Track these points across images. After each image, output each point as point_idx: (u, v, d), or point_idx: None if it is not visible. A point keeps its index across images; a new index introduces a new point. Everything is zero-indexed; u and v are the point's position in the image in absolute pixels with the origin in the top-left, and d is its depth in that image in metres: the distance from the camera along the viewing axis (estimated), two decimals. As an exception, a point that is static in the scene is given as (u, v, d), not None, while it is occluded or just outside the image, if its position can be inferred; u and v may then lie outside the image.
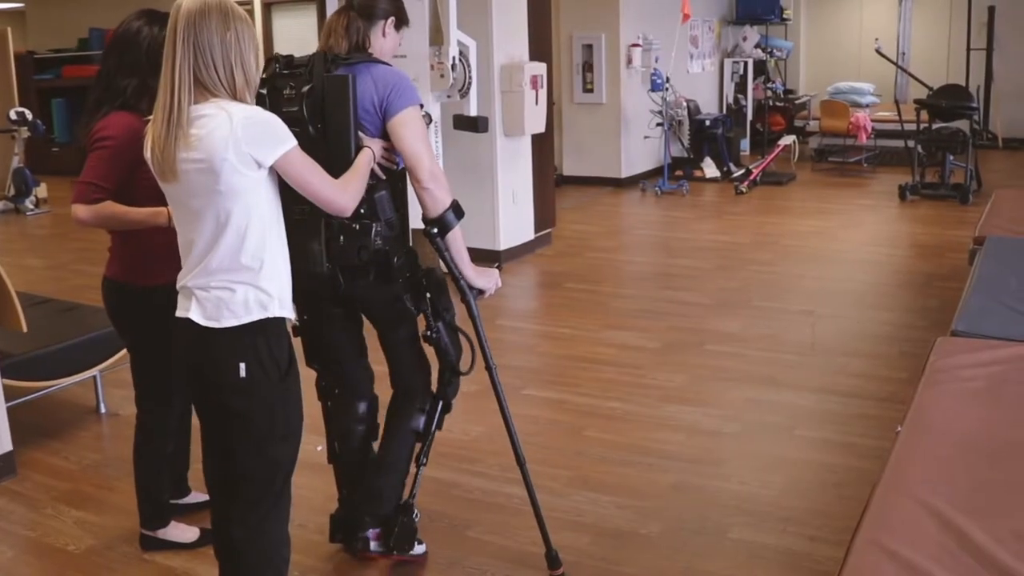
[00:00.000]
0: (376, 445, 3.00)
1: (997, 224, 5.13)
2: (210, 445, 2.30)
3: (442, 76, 5.86)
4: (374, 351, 2.97)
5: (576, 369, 4.66)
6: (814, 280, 6.20)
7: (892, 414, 3.63)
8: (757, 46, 12.04)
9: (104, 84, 2.81)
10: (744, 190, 9.39)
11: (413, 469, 2.92)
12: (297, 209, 2.37)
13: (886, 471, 2.38)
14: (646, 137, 10.02)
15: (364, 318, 2.91)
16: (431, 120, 2.73)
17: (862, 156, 10.55)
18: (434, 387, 2.93)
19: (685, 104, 10.26)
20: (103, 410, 4.28)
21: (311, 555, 2.99)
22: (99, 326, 4.07)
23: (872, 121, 10.48)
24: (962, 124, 8.87)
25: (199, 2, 2.05)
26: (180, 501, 3.26)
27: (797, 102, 12.56)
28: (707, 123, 10.32)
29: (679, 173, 10.12)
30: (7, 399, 3.67)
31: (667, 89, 9.60)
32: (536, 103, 6.85)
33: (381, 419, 2.98)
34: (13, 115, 9.41)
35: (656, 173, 10.21)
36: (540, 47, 7.20)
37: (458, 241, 2.73)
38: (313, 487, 3.25)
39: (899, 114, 9.59)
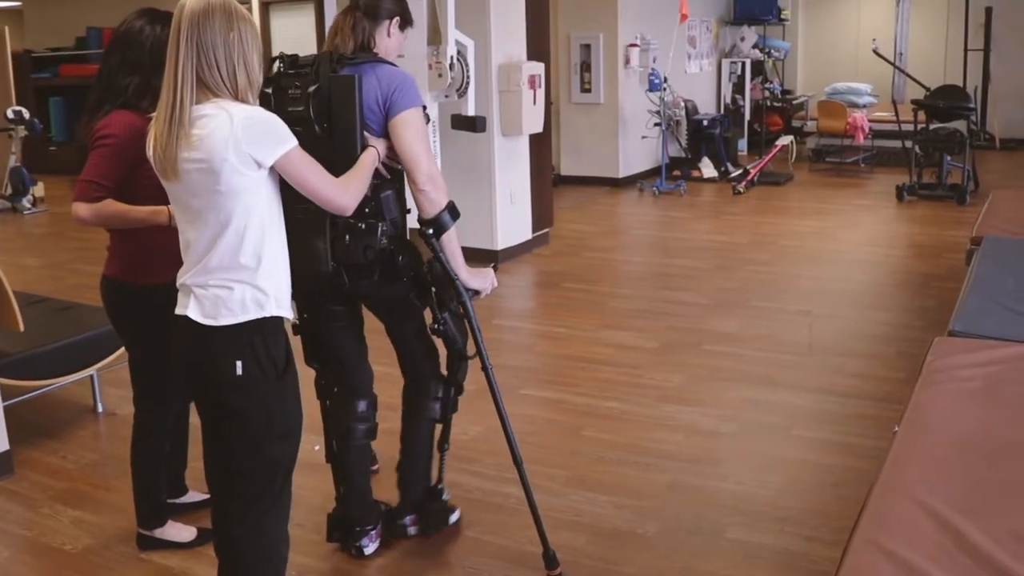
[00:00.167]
0: (372, 445, 3.02)
1: (994, 224, 5.13)
2: (210, 443, 2.31)
3: (440, 76, 5.87)
4: (374, 351, 2.98)
5: (574, 369, 4.67)
6: (812, 280, 6.20)
7: (889, 414, 3.63)
8: (755, 46, 12.05)
9: (105, 83, 2.81)
10: (742, 190, 9.39)
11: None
12: (301, 208, 2.38)
13: (883, 471, 2.38)
14: (644, 137, 10.02)
15: (364, 317, 2.92)
16: (428, 120, 2.75)
17: (859, 156, 10.56)
18: (443, 372, 2.98)
19: (683, 104, 10.27)
20: (100, 409, 4.28)
21: (309, 555, 2.99)
22: (96, 325, 4.07)
23: (869, 121, 10.49)
24: (959, 125, 8.88)
25: (203, 2, 2.06)
26: (177, 500, 3.26)
27: (795, 102, 12.56)
28: (705, 123, 10.32)
29: (677, 173, 10.12)
30: (4, 398, 3.67)
31: (665, 89, 9.60)
32: (534, 103, 6.85)
33: (380, 419, 2.99)
34: (10, 114, 9.39)
35: (654, 173, 10.21)
36: (538, 47, 7.20)
37: (453, 242, 2.75)
38: (311, 487, 3.24)
39: (896, 114, 9.60)
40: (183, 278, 2.20)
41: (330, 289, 2.69)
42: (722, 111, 11.61)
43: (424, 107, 2.70)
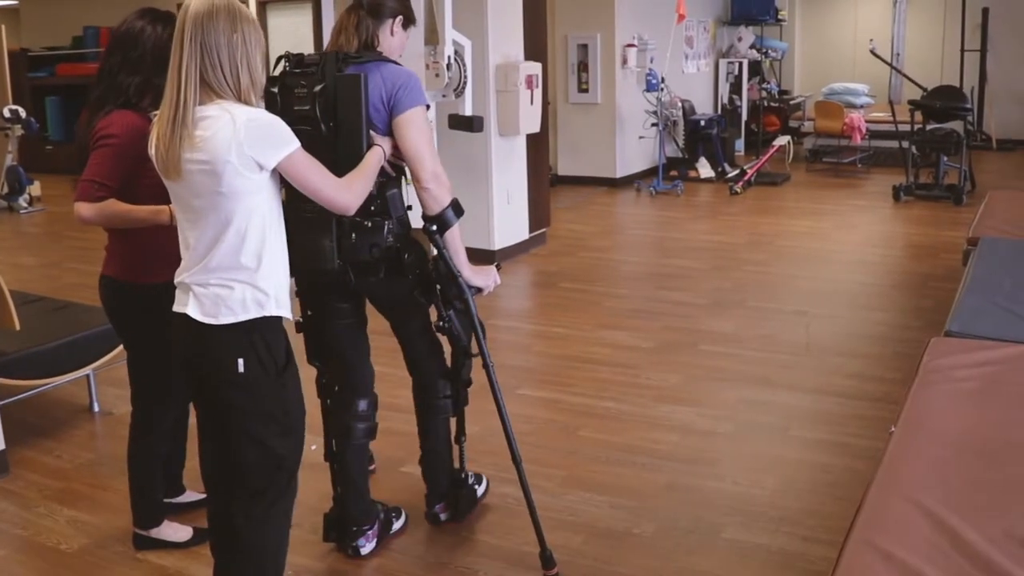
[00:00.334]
0: (371, 446, 3.03)
1: (991, 225, 5.14)
2: (208, 439, 2.31)
3: (437, 75, 5.86)
4: (376, 351, 2.98)
5: (570, 369, 4.67)
6: (808, 280, 6.21)
7: (886, 414, 3.63)
8: (752, 47, 12.07)
9: (106, 82, 2.80)
10: (739, 190, 9.40)
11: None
12: (307, 207, 2.38)
13: (879, 471, 2.38)
14: (641, 137, 10.03)
15: (367, 317, 2.94)
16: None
17: (856, 157, 10.58)
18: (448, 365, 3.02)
19: (680, 104, 10.27)
20: (96, 409, 4.27)
21: (305, 554, 2.98)
22: (93, 324, 4.07)
23: (866, 122, 10.51)
24: (956, 125, 8.89)
25: (207, 3, 2.06)
26: (174, 500, 3.25)
27: (792, 103, 12.57)
28: (702, 123, 10.33)
29: (674, 173, 10.13)
30: (0, 397, 3.65)
31: (662, 89, 9.61)
32: (531, 103, 6.85)
33: (380, 419, 3.00)
34: (7, 113, 9.39)
35: (651, 173, 10.22)
36: (535, 47, 7.21)
37: (456, 239, 2.78)
38: (307, 486, 3.21)
39: (893, 115, 9.61)
40: (181, 276, 2.20)
41: (336, 286, 2.70)
42: (719, 111, 11.62)
43: (428, 107, 2.72)
